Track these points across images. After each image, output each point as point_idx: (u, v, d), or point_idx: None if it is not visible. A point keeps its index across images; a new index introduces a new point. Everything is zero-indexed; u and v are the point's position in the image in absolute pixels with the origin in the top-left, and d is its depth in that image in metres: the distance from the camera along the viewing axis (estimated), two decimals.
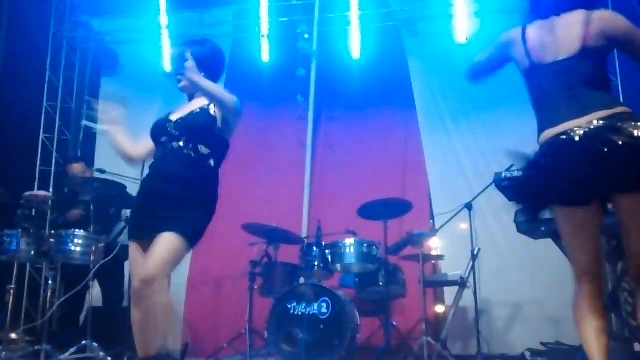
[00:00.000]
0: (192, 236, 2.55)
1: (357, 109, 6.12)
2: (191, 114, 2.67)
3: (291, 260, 4.68)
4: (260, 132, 6.10)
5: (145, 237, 2.56)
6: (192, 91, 2.78)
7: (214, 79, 2.79)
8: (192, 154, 2.61)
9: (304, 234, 5.35)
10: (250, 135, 5.86)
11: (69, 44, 6.56)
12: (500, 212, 4.92)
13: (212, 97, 2.61)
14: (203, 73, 2.70)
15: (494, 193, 3.51)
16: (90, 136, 6.22)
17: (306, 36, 5.97)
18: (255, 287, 4.58)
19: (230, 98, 2.59)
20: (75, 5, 6.58)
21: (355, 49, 6.00)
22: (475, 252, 4.37)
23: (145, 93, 5.95)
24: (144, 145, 2.79)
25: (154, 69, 6.17)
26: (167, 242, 2.48)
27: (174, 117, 2.70)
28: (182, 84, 2.75)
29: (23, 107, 6.18)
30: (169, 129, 2.65)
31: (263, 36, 6.09)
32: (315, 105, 6.01)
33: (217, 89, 2.64)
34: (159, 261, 2.46)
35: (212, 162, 2.67)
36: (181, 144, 2.61)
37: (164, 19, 6.21)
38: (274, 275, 4.54)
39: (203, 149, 2.63)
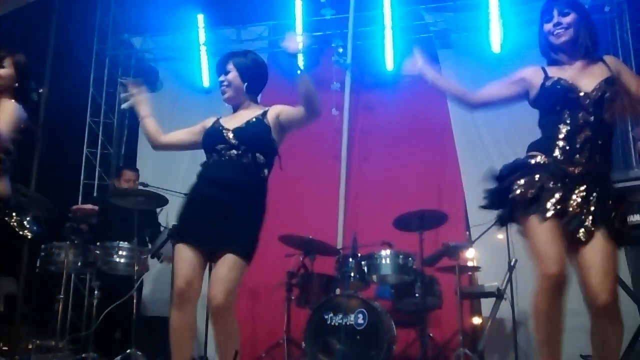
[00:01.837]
0: (252, 255, 2.65)
1: (392, 121, 6.16)
2: (249, 123, 2.76)
3: (327, 271, 4.74)
4: (295, 145, 6.17)
5: (204, 245, 2.63)
6: (237, 102, 2.89)
7: (257, 89, 2.92)
8: (251, 163, 2.71)
9: (339, 245, 5.40)
10: (285, 148, 5.95)
11: (111, 62, 6.80)
12: None
13: (312, 99, 2.71)
14: (246, 83, 2.82)
15: None
16: (132, 151, 6.43)
17: (340, 50, 6.05)
18: (292, 297, 4.65)
19: (304, 114, 2.73)
20: (117, 24, 6.83)
21: (389, 62, 6.06)
22: (512, 264, 4.35)
23: (185, 108, 6.13)
24: (171, 136, 2.94)
25: (192, 85, 6.35)
26: (234, 268, 2.56)
27: (229, 126, 2.78)
28: (226, 95, 2.87)
29: (68, 122, 6.43)
30: (227, 137, 2.74)
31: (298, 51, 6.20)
32: (349, 118, 6.08)
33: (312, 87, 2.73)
34: (229, 292, 2.54)
35: (266, 171, 2.77)
36: (240, 152, 2.71)
37: (202, 36, 6.39)
38: (310, 286, 4.61)
39: (260, 158, 2.73)
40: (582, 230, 2.26)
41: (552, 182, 2.31)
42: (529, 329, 5.02)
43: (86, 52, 6.66)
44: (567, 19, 2.46)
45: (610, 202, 2.32)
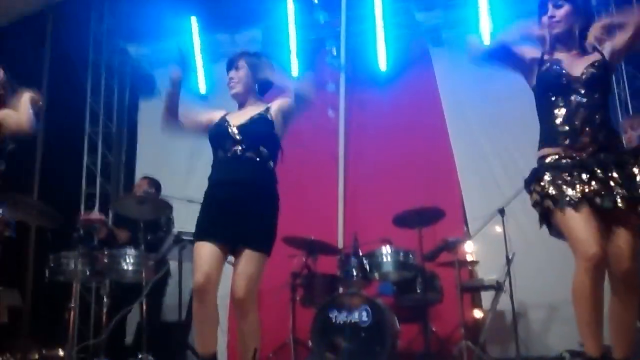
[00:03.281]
0: (270, 247, 2.78)
1: (387, 119, 6.23)
2: (252, 119, 2.87)
3: (330, 270, 4.82)
4: (291, 147, 6.24)
5: (222, 242, 2.73)
6: (244, 99, 2.99)
7: (265, 90, 3.03)
8: (256, 158, 2.81)
9: (340, 245, 5.49)
10: (283, 150, 6.03)
11: (107, 70, 6.85)
12: (533, 215, 4.97)
13: (302, 96, 2.89)
14: (256, 83, 2.97)
15: (526, 197, 3.61)
16: (132, 159, 6.50)
17: (334, 51, 6.13)
18: (297, 297, 4.73)
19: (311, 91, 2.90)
20: (112, 32, 6.87)
21: (381, 61, 6.15)
22: (510, 257, 4.45)
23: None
24: (188, 120, 3.03)
25: (189, 90, 6.41)
26: (253, 263, 2.69)
27: (234, 123, 2.88)
28: (234, 90, 2.98)
29: (67, 132, 6.49)
30: (231, 134, 2.84)
31: (292, 53, 6.29)
32: (345, 118, 6.16)
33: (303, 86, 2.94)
34: (252, 288, 2.68)
35: (271, 163, 2.88)
36: (245, 148, 2.81)
37: (196, 42, 6.45)
38: (314, 285, 4.69)
39: (264, 152, 2.83)
40: (618, 200, 2.38)
41: (568, 174, 2.44)
42: (529, 320, 5.13)
43: (82, 61, 6.71)
44: (561, 12, 2.60)
45: (629, 166, 2.46)
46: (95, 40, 6.83)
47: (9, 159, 3.98)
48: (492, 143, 5.78)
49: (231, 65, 3.00)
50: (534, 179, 2.56)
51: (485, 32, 5.81)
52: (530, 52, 2.69)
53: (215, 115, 3.00)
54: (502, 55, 2.72)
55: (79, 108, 6.62)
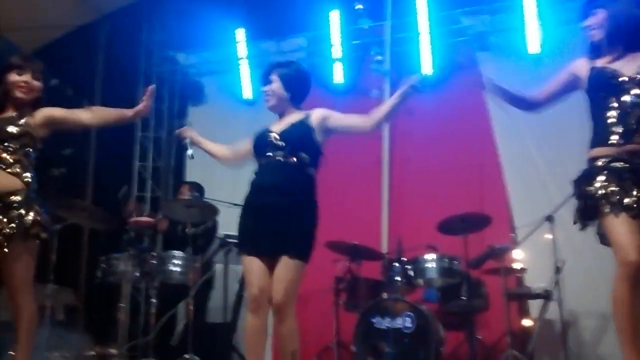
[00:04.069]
0: (308, 254, 2.82)
1: (432, 124, 6.19)
2: (292, 126, 2.92)
3: (373, 275, 4.82)
4: (336, 152, 6.26)
5: (264, 255, 2.80)
6: (280, 110, 3.04)
7: (300, 98, 3.06)
8: (297, 164, 2.85)
9: (384, 250, 5.48)
10: (326, 155, 6.08)
11: (157, 78, 7.03)
12: None
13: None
14: (290, 94, 2.97)
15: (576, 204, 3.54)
16: (181, 163, 6.66)
17: (379, 57, 6.13)
18: (340, 302, 4.75)
19: (368, 127, 3.00)
20: (162, 42, 7.07)
21: (427, 66, 6.12)
22: (560, 265, 4.35)
23: (229, 120, 6.33)
24: (237, 150, 3.17)
25: (235, 97, 6.55)
26: (291, 269, 2.73)
27: (275, 129, 2.94)
28: (270, 103, 3.04)
29: (119, 138, 6.70)
30: (273, 140, 2.89)
31: (336, 60, 6.33)
32: (390, 124, 6.15)
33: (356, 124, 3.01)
34: (290, 293, 2.72)
35: (312, 170, 2.92)
36: (285, 153, 2.86)
37: (242, 50, 6.57)
38: (357, 290, 4.70)
39: (305, 158, 2.87)
40: None
41: (623, 179, 2.41)
42: (579, 330, 4.99)
43: (133, 70, 6.93)
44: (596, 19, 2.59)
45: None
46: (146, 49, 7.04)
47: (66, 163, 4.16)
48: (540, 148, 5.66)
49: (264, 79, 3.07)
50: (585, 179, 2.52)
51: (533, 36, 5.72)
52: (576, 66, 2.69)
53: (258, 130, 3.09)
54: (556, 96, 2.79)
55: None
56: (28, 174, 2.88)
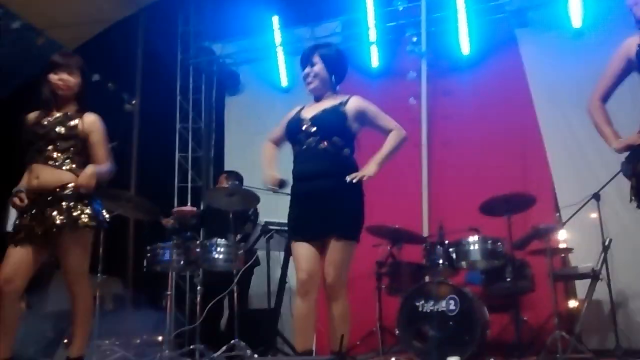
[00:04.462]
0: (357, 233, 2.85)
1: (471, 104, 6.08)
2: (325, 111, 2.93)
3: (415, 259, 4.80)
4: (374, 137, 6.25)
5: (314, 239, 2.85)
6: (321, 92, 3.04)
7: (340, 78, 3.06)
8: (330, 147, 2.87)
9: (425, 233, 5.44)
10: (364, 140, 6.05)
11: (194, 69, 7.14)
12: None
13: (397, 151, 3.03)
14: (333, 75, 2.99)
15: (623, 181, 3.43)
16: (220, 153, 6.75)
17: (414, 39, 6.06)
18: (383, 286, 4.75)
19: (402, 135, 3.03)
20: (198, 33, 7.16)
21: (464, 45, 6.00)
22: (607, 243, 4.25)
23: (265, 108, 6.36)
24: (276, 140, 3.20)
25: (272, 85, 6.58)
26: (340, 250, 2.78)
27: (306, 115, 2.95)
28: (312, 86, 3.03)
29: (159, 130, 6.85)
30: (305, 126, 2.92)
31: (372, 43, 6.28)
32: (427, 105, 6.08)
33: (394, 148, 3.00)
34: (341, 273, 2.77)
35: (347, 151, 2.92)
36: (318, 139, 2.88)
37: (277, 37, 6.59)
38: (399, 274, 4.68)
39: (338, 141, 2.88)
40: None
41: None
42: (628, 310, 4.87)
43: (171, 62, 7.04)
44: None
45: None
46: (183, 41, 7.13)
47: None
48: (584, 126, 5.48)
49: (306, 60, 3.05)
50: (635, 158, 2.43)
51: (576, 10, 5.54)
52: (627, 47, 2.60)
53: (290, 114, 3.10)
54: (616, 87, 2.74)
55: (170, 106, 6.95)
56: (78, 170, 2.97)
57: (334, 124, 2.90)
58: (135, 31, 6.84)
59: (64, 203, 2.89)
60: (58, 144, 2.97)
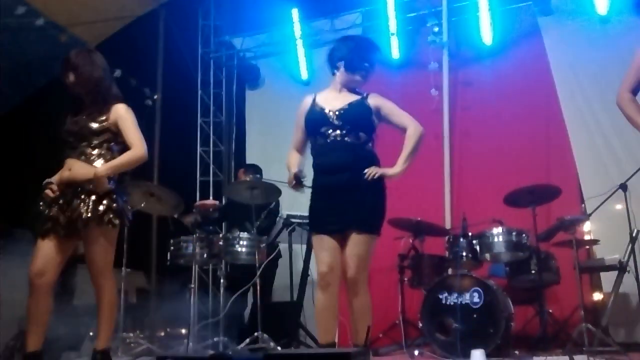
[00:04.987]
0: (378, 227, 2.85)
1: (493, 95, 6.01)
2: (352, 105, 2.93)
3: (437, 252, 4.77)
4: (395, 129, 6.22)
5: (335, 232, 2.85)
6: (354, 85, 3.03)
7: (370, 68, 3.04)
8: (355, 141, 2.87)
9: (447, 225, 5.40)
10: (385, 132, 6.01)
11: (215, 63, 7.16)
12: None
13: (417, 152, 3.01)
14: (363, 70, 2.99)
15: None
16: (241, 146, 6.77)
17: (436, 29, 5.99)
18: (405, 279, 4.73)
19: (420, 133, 3.01)
20: (218, 27, 7.17)
21: (486, 35, 5.92)
22: (635, 234, 4.17)
23: (286, 102, 6.35)
24: (298, 144, 3.14)
25: (292, 77, 6.57)
26: (361, 243, 2.78)
27: (332, 108, 2.94)
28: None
29: (181, 124, 6.89)
30: (330, 119, 2.90)
31: (392, 34, 6.22)
32: (449, 96, 6.02)
33: (415, 146, 2.99)
34: (362, 266, 2.78)
35: (370, 145, 2.94)
36: (344, 132, 2.88)
37: (297, 30, 6.57)
38: (422, 267, 4.66)
39: (362, 136, 2.89)
40: None
41: None
42: None
43: (192, 56, 7.06)
44: None
45: None
46: (203, 35, 7.16)
47: None
48: (609, 116, 5.39)
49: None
50: None
51: None
52: None
53: (305, 106, 3.06)
54: None
55: (191, 100, 6.99)
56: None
57: (361, 118, 2.91)
58: (156, 26, 6.87)
59: (92, 196, 2.91)
60: (91, 140, 3.00)
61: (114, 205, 2.95)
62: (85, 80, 3.06)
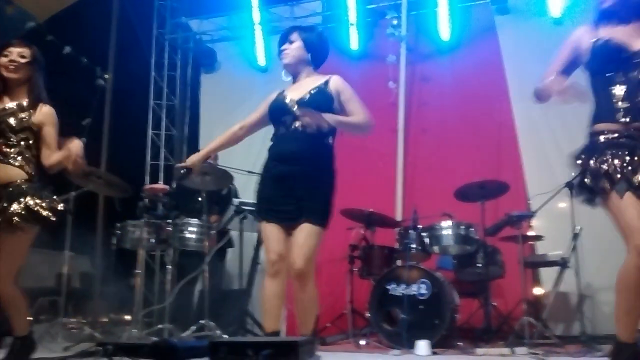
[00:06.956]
0: (326, 220, 2.81)
1: (449, 91, 6.08)
2: (312, 94, 2.86)
3: (388, 243, 4.81)
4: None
5: (284, 222, 2.81)
6: (295, 70, 2.98)
7: (319, 62, 3.02)
8: (316, 132, 2.78)
9: (398, 217, 5.45)
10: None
11: (170, 45, 6.99)
12: None
13: (349, 130, 2.89)
14: (310, 54, 2.94)
15: None
16: (195, 132, 6.64)
17: (395, 22, 6.01)
18: (355, 269, 4.75)
19: (366, 124, 2.86)
20: (175, 8, 6.99)
21: (444, 31, 5.98)
22: (577, 232, 4.30)
23: (242, 87, 6.28)
24: (245, 123, 3.06)
25: (249, 64, 6.48)
26: (310, 235, 2.73)
27: (292, 97, 2.88)
28: (286, 60, 2.97)
29: (132, 106, 6.71)
30: (291, 109, 2.84)
31: (351, 25, 6.21)
32: (406, 90, 6.06)
33: (351, 123, 2.86)
34: (310, 258, 2.72)
35: (330, 139, 2.88)
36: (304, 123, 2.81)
37: (256, 16, 6.47)
38: (372, 258, 4.68)
39: (324, 128, 2.78)
40: None
41: (630, 156, 2.29)
42: (594, 300, 4.96)
43: (146, 37, 6.87)
44: None
45: None
46: (159, 15, 6.97)
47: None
48: (558, 115, 5.54)
49: (284, 39, 3.00)
50: (588, 154, 2.39)
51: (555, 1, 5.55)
52: (575, 35, 2.51)
53: (272, 97, 3.02)
54: (566, 73, 2.56)
55: (144, 82, 6.81)
56: (27, 166, 2.82)
57: (321, 107, 2.81)
58: (110, 3, 6.65)
59: (2, 202, 2.72)
60: (8, 136, 2.81)
61: (38, 206, 2.75)
62: (23, 64, 2.85)
